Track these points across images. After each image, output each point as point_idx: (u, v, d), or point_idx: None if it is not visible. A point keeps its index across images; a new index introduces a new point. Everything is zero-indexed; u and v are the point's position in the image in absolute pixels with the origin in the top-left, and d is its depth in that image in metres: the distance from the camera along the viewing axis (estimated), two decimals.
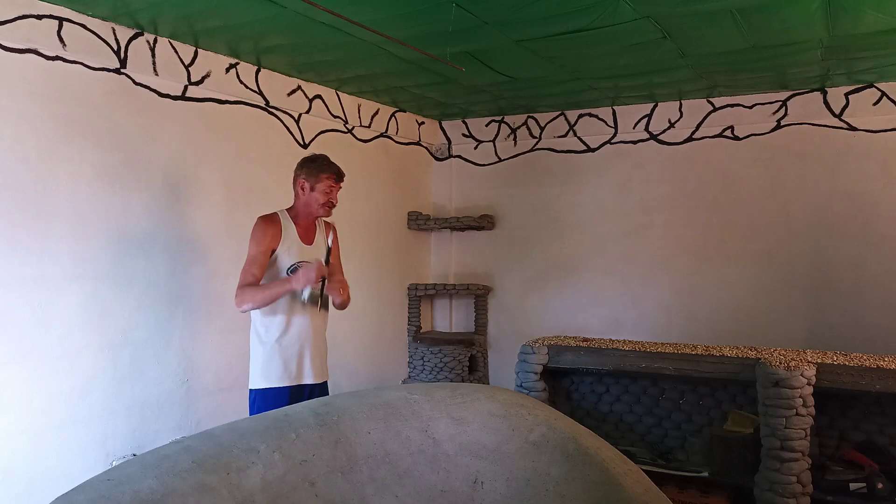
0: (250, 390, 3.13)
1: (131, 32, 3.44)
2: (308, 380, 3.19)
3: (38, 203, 3.10)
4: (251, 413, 3.09)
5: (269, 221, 3.08)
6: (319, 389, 3.27)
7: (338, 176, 3.21)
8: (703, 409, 3.37)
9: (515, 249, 5.60)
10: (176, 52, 3.65)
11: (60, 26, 3.14)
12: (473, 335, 5.55)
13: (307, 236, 3.14)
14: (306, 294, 3.03)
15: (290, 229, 3.09)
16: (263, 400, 3.09)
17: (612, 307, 5.22)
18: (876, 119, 4.46)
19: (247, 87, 4.06)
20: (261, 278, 3.00)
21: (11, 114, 3.01)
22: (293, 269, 3.04)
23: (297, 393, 3.14)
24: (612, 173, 5.26)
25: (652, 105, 5.10)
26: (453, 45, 3.54)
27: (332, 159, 3.30)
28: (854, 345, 4.10)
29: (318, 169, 3.17)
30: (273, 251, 3.03)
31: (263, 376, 3.10)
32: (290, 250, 3.06)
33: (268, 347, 3.10)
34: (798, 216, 4.68)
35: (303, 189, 3.16)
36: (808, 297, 4.65)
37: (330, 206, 3.17)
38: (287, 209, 3.17)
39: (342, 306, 3.24)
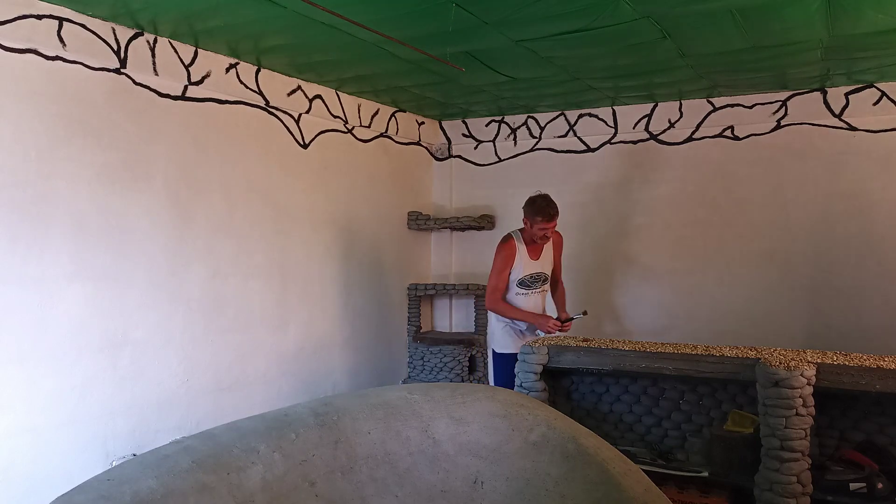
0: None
1: (131, 32, 3.44)
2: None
3: (38, 203, 3.10)
4: (494, 371, 4.26)
5: (508, 248, 4.18)
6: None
7: (548, 219, 4.07)
8: (703, 409, 3.37)
9: None
10: (176, 52, 3.65)
11: (60, 26, 3.14)
12: (473, 335, 5.54)
13: (534, 253, 4.21)
14: (540, 333, 4.12)
15: (521, 250, 4.18)
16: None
17: (612, 307, 5.22)
18: (876, 119, 4.46)
19: (247, 87, 4.06)
20: (503, 289, 4.18)
21: (11, 114, 3.01)
22: (521, 282, 4.18)
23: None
24: (612, 173, 5.26)
25: (652, 105, 5.10)
26: (453, 45, 3.55)
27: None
28: (854, 345, 4.10)
29: (532, 212, 4.09)
30: (511, 266, 4.16)
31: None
32: (519, 266, 4.17)
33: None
34: (798, 216, 4.68)
35: (525, 223, 4.14)
36: (808, 297, 4.65)
37: (545, 238, 4.18)
38: (520, 230, 4.22)
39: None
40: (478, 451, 2.24)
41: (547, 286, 4.33)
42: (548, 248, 4.27)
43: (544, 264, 4.26)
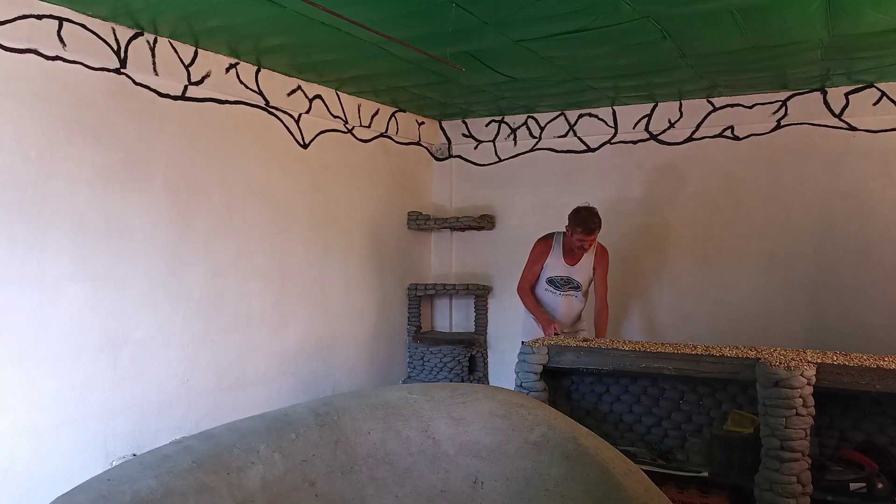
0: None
1: (131, 32, 3.44)
2: None
3: (38, 202, 3.10)
4: None
5: (542, 244, 4.40)
6: None
7: (587, 231, 4.13)
8: (703, 409, 3.37)
9: (515, 249, 5.58)
10: (176, 52, 3.65)
11: (60, 26, 3.14)
12: (473, 335, 5.55)
13: (570, 258, 4.32)
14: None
15: (556, 250, 4.33)
16: None
17: (611, 307, 5.20)
18: (876, 119, 4.45)
19: (247, 87, 4.06)
20: (533, 280, 4.39)
21: (11, 114, 3.01)
22: (550, 280, 4.35)
23: None
24: (612, 173, 5.26)
25: (652, 105, 5.10)
26: (453, 45, 3.54)
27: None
28: (854, 345, 4.10)
29: (575, 222, 4.17)
30: (543, 262, 4.37)
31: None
32: (550, 265, 4.34)
33: None
34: (798, 216, 4.68)
35: (567, 231, 4.23)
36: (808, 297, 4.65)
37: (582, 249, 4.24)
38: (563, 233, 4.31)
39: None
40: (478, 451, 2.24)
41: (579, 294, 4.38)
42: (588, 259, 4.34)
43: (580, 272, 4.34)
